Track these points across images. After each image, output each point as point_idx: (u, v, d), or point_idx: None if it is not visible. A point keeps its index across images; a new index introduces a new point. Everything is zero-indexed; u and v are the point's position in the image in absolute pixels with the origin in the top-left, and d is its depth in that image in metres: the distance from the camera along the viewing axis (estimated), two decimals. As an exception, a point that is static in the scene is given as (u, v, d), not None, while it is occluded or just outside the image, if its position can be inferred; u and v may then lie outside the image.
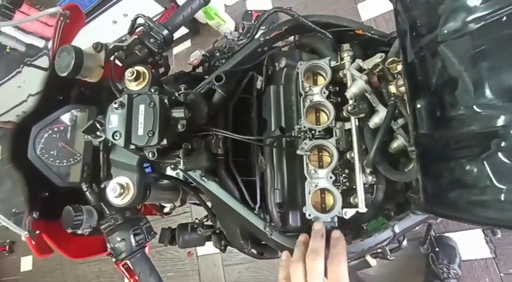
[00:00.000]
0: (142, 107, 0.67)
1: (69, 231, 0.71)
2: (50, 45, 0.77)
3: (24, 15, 2.04)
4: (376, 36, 0.75)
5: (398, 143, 0.71)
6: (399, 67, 0.56)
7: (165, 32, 0.83)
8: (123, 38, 0.82)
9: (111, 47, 0.78)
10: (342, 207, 0.71)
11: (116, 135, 0.66)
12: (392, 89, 0.59)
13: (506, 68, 0.35)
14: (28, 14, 2.04)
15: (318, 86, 0.80)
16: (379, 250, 0.78)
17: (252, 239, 0.80)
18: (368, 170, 0.72)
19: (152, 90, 0.70)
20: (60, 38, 0.73)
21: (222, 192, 0.73)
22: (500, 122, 0.34)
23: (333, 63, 0.80)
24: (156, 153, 0.67)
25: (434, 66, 0.43)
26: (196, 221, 0.97)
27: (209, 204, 0.93)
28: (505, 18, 0.35)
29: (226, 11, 2.34)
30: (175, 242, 1.00)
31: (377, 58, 0.63)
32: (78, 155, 0.89)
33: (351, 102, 0.74)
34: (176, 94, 0.76)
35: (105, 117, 0.76)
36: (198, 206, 1.23)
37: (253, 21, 2.47)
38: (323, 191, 0.77)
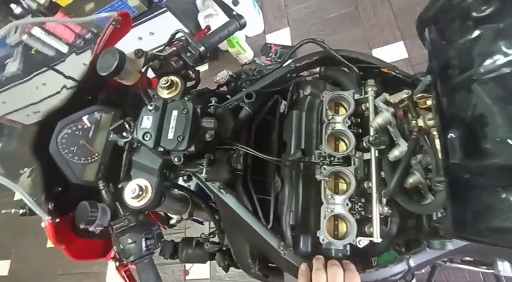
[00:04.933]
0: (175, 113, 0.70)
1: (82, 226, 0.70)
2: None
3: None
4: (400, 76, 0.80)
5: (414, 178, 0.73)
6: (428, 102, 0.59)
7: (202, 48, 0.88)
8: (162, 49, 0.86)
9: (150, 54, 0.82)
10: (356, 236, 0.71)
11: (147, 136, 0.68)
12: (420, 122, 0.62)
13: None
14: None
15: (340, 115, 0.84)
16: (388, 285, 0.76)
17: (260, 259, 0.79)
18: (384, 201, 0.73)
19: (186, 98, 0.74)
20: (106, 41, 0.77)
21: (239, 207, 0.74)
22: (534, 156, 0.36)
23: (357, 96, 0.85)
24: (182, 158, 0.68)
25: (468, 102, 0.46)
26: (203, 236, 0.96)
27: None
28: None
29: (247, 41, 2.46)
30: (176, 256, 0.98)
31: (403, 94, 0.67)
32: (97, 154, 0.91)
33: (372, 133, 0.77)
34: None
35: (132, 119, 0.79)
36: (199, 223, 1.22)
37: (271, 53, 2.56)
38: (336, 218, 0.77)
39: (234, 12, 0.97)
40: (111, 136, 0.80)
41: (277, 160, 0.81)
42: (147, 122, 0.69)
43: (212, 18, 2.34)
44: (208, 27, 1.02)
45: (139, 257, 0.70)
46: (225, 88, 1.09)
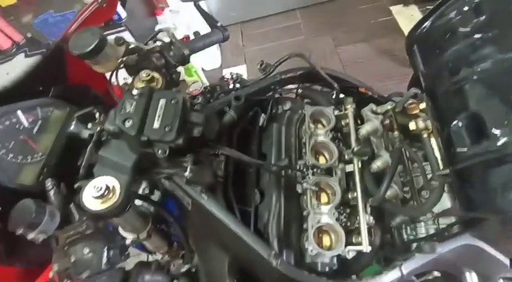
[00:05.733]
0: (162, 101, 0.63)
1: (19, 231, 0.53)
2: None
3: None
4: (375, 96, 0.86)
5: (392, 191, 0.76)
6: (421, 106, 0.64)
7: (186, 50, 0.84)
8: (144, 43, 0.80)
9: (132, 46, 0.75)
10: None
11: (128, 121, 0.59)
12: (412, 125, 0.65)
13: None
14: (-4, 23, 1.89)
15: (323, 128, 0.85)
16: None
17: (240, 278, 0.70)
18: (369, 211, 0.73)
19: (174, 89, 0.67)
20: (85, 20, 0.68)
21: (224, 212, 0.66)
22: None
23: (336, 112, 0.88)
24: (167, 151, 0.60)
25: (464, 98, 0.51)
26: (165, 257, 0.82)
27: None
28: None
29: (204, 74, 2.48)
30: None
31: (388, 105, 0.72)
32: (40, 154, 0.76)
33: (353, 144, 0.79)
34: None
35: (102, 109, 0.70)
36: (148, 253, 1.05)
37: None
38: (320, 231, 0.74)
39: (219, 24, 0.97)
40: (72, 127, 0.68)
41: (261, 164, 0.77)
42: (129, 106, 0.60)
43: (171, 45, 2.32)
44: (187, 37, 1.00)
45: (96, 271, 0.55)
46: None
